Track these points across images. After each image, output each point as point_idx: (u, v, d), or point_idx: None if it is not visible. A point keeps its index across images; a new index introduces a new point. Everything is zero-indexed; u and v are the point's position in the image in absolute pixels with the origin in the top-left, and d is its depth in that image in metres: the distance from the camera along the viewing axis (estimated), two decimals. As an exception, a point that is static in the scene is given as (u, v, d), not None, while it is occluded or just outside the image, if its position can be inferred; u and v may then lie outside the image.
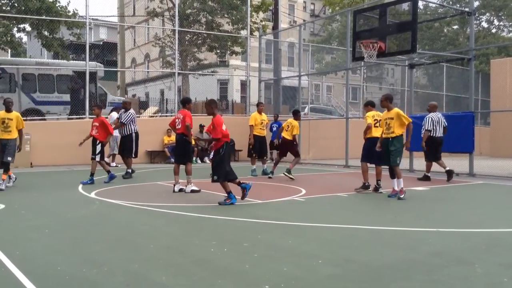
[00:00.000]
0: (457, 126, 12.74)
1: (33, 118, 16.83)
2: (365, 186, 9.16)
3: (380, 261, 4.37)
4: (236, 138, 16.92)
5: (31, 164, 14.09)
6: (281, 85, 22.02)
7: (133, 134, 11.61)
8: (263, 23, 23.95)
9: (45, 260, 4.37)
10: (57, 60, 19.33)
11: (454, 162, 14.63)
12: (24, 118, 10.78)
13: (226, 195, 7.51)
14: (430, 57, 20.41)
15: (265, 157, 13.01)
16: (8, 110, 9.44)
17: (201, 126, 17.53)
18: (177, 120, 9.15)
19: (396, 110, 8.32)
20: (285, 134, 11.78)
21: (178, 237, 5.40)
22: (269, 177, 11.79)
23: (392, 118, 8.28)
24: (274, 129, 17.40)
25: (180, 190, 8.95)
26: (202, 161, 17.49)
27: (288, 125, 11.81)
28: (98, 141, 10.34)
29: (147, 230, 5.74)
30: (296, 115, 11.99)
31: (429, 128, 11.48)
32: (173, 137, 16.27)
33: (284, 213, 6.97)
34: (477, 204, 8.39)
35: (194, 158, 16.10)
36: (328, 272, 4.04)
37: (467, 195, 9.64)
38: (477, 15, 33.83)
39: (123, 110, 11.86)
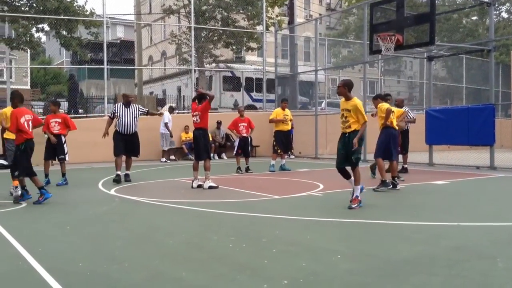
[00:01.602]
0: (477, 119, 12.58)
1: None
2: (385, 184, 8.55)
3: (400, 256, 4.34)
4: (253, 134, 16.96)
5: (51, 162, 14.28)
6: (297, 80, 21.95)
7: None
8: (279, 18, 23.86)
9: (66, 256, 4.44)
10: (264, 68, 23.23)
11: (475, 155, 14.46)
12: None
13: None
14: (449, 49, 20.11)
15: (289, 152, 12.99)
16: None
17: (218, 123, 17.61)
18: (194, 118, 9.19)
19: (355, 101, 6.95)
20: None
21: (197, 233, 5.43)
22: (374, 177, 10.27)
23: (349, 110, 6.94)
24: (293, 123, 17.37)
25: (199, 186, 9.01)
26: (220, 157, 17.55)
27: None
28: (64, 139, 9.83)
29: (166, 226, 5.79)
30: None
31: (414, 118, 11.52)
32: (190, 134, 16.41)
33: (302, 208, 6.96)
34: (498, 197, 8.26)
35: (212, 154, 16.20)
36: (347, 267, 4.03)
37: (488, 189, 9.50)
38: (496, 5, 33.17)
39: (120, 104, 10.24)
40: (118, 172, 9.88)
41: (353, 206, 6.77)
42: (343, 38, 34.49)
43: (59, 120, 9.81)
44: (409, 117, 11.57)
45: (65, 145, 9.86)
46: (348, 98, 6.96)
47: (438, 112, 13.74)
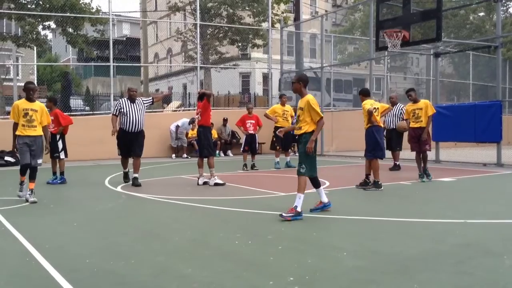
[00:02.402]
0: (484, 115, 12.52)
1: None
2: (377, 185, 8.29)
3: (406, 253, 4.32)
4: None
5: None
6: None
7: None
8: (285, 14, 23.84)
9: (74, 253, 4.46)
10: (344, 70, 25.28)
11: (482, 152, 14.39)
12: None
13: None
14: (455, 46, 20.00)
15: (289, 150, 12.94)
16: (30, 99, 7.28)
17: (224, 120, 17.64)
18: (196, 116, 9.23)
19: (308, 97, 6.05)
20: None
21: (203, 229, 5.44)
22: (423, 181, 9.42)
23: (302, 108, 6.04)
24: (294, 121, 17.37)
25: (204, 183, 9.02)
26: (226, 154, 17.57)
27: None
28: (58, 137, 9.52)
29: (172, 223, 5.81)
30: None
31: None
32: (195, 131, 16.49)
33: (308, 205, 6.95)
34: (505, 194, 8.21)
35: (217, 152, 16.24)
36: (353, 264, 4.02)
37: (495, 186, 9.45)
38: (504, 1, 32.92)
39: (125, 99, 9.22)
40: (126, 170, 9.40)
41: (284, 214, 5.76)
42: (349, 35, 34.36)
43: (52, 117, 9.14)
44: (403, 115, 11.44)
45: (59, 143, 9.54)
46: (302, 95, 6.11)
47: (445, 109, 13.68)
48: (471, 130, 12.75)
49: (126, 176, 9.45)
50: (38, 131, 7.29)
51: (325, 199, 6.36)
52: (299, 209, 5.81)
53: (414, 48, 17.13)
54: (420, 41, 14.78)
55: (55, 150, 9.45)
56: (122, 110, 9.03)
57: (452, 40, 23.42)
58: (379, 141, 8.49)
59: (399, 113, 11.61)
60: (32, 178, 7.28)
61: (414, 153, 9.77)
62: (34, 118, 7.20)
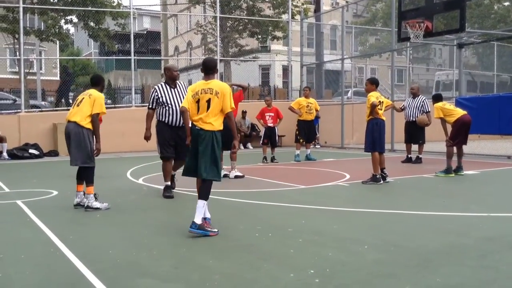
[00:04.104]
0: (508, 107, 12.26)
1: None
2: (376, 179, 8.17)
3: (428, 246, 4.28)
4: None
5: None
6: (323, 69, 21.76)
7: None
8: (305, 6, 23.65)
9: (97, 244, 4.53)
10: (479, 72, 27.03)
11: (506, 144, 14.11)
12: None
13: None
14: (479, 36, 19.60)
15: (312, 142, 12.85)
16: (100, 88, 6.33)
17: (244, 112, 17.66)
18: None
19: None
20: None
21: (223, 222, 5.47)
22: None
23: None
24: (319, 114, 17.27)
25: (225, 176, 9.04)
26: (245, 147, 17.60)
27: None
28: None
29: (193, 215, 5.83)
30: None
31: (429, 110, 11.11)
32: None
33: (328, 198, 6.93)
34: (531, 188, 8.06)
35: (237, 144, 16.25)
36: (374, 257, 4.00)
37: (520, 179, 9.27)
38: (530, -11, 32.10)
39: (163, 85, 7.06)
40: (169, 183, 7.16)
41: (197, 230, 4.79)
42: (371, 26, 33.95)
43: None
44: (424, 108, 11.33)
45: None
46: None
47: (468, 101, 13.43)
48: (495, 122, 12.50)
49: (169, 191, 7.13)
50: None
51: (202, 216, 4.95)
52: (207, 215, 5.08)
53: (437, 39, 16.84)
54: (443, 31, 14.49)
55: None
56: (160, 99, 6.92)
57: (476, 31, 22.94)
58: (379, 135, 8.30)
59: (420, 105, 11.43)
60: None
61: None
62: None
